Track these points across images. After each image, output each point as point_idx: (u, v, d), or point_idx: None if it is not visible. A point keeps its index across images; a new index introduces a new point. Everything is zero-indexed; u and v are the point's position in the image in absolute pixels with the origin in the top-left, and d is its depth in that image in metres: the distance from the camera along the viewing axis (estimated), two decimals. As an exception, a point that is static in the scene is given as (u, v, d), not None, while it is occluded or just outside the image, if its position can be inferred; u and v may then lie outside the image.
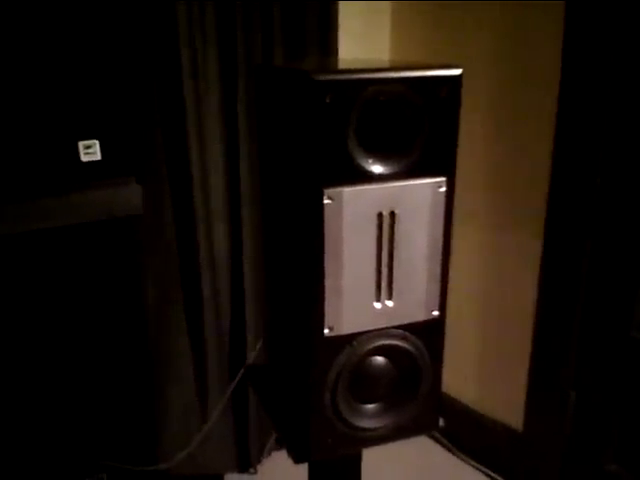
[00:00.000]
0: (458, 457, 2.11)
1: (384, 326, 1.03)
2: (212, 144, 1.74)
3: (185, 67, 1.63)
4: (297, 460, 1.07)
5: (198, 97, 1.68)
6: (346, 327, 1.01)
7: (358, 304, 1.01)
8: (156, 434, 1.84)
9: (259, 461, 2.05)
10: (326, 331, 1.00)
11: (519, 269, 1.87)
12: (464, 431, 2.12)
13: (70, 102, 1.03)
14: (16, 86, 1.04)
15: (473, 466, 2.07)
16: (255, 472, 2.04)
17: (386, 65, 1.06)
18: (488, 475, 2.03)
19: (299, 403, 1.06)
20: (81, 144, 0.91)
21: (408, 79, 0.93)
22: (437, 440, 2.17)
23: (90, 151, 0.88)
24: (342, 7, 1.87)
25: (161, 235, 1.72)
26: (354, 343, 1.02)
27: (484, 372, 2.06)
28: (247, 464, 2.03)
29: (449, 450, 2.14)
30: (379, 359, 1.06)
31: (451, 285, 2.07)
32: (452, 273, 2.01)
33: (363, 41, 2.06)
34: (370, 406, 1.08)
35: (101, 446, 1.69)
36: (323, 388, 1.03)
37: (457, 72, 0.95)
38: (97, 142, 0.93)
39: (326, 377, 1.02)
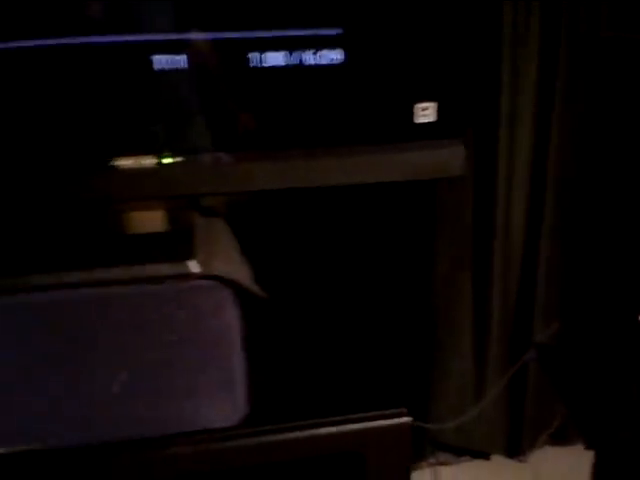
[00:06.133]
0: None
1: None
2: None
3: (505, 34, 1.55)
4: (588, 445, 0.99)
5: (515, 68, 1.60)
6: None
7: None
8: (429, 401, 1.84)
9: (530, 450, 1.95)
10: (642, 317, 0.90)
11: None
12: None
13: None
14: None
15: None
16: (525, 460, 1.95)
17: None
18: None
19: (604, 390, 0.97)
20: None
21: None
22: None
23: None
24: None
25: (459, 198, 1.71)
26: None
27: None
28: (516, 450, 1.95)
29: None
30: None
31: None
32: None
33: None
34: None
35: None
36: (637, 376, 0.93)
37: None
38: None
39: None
